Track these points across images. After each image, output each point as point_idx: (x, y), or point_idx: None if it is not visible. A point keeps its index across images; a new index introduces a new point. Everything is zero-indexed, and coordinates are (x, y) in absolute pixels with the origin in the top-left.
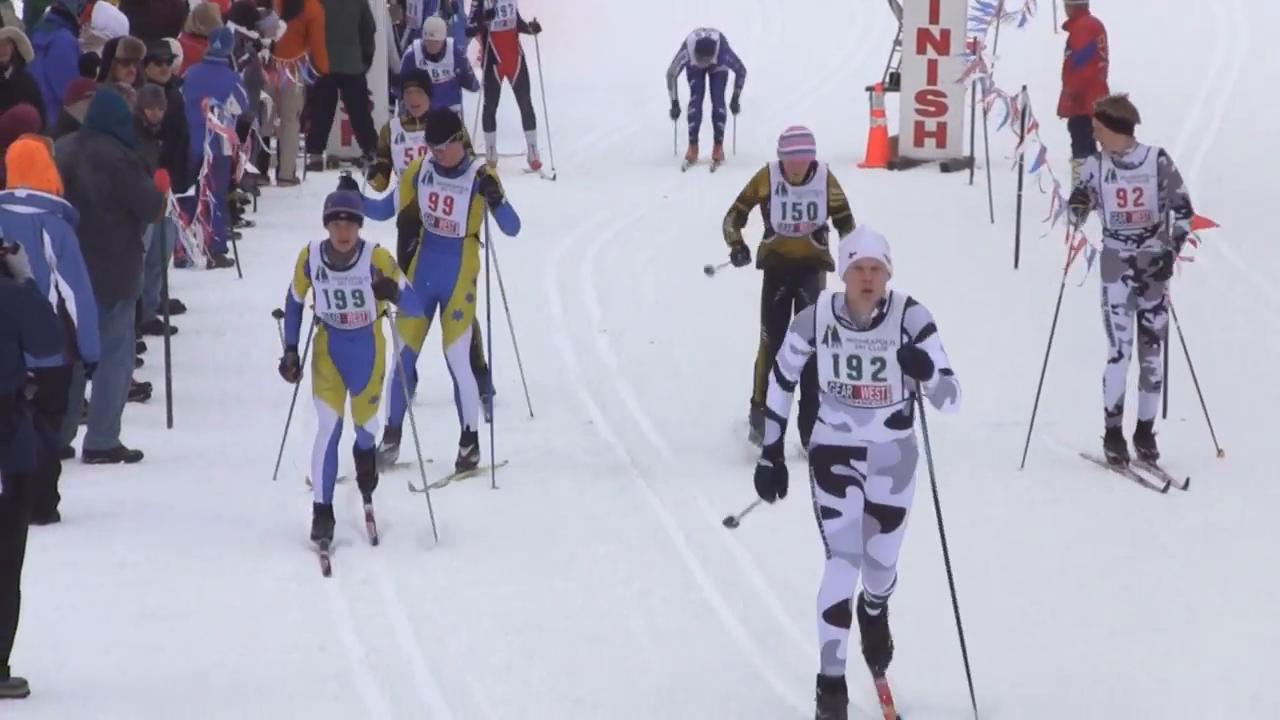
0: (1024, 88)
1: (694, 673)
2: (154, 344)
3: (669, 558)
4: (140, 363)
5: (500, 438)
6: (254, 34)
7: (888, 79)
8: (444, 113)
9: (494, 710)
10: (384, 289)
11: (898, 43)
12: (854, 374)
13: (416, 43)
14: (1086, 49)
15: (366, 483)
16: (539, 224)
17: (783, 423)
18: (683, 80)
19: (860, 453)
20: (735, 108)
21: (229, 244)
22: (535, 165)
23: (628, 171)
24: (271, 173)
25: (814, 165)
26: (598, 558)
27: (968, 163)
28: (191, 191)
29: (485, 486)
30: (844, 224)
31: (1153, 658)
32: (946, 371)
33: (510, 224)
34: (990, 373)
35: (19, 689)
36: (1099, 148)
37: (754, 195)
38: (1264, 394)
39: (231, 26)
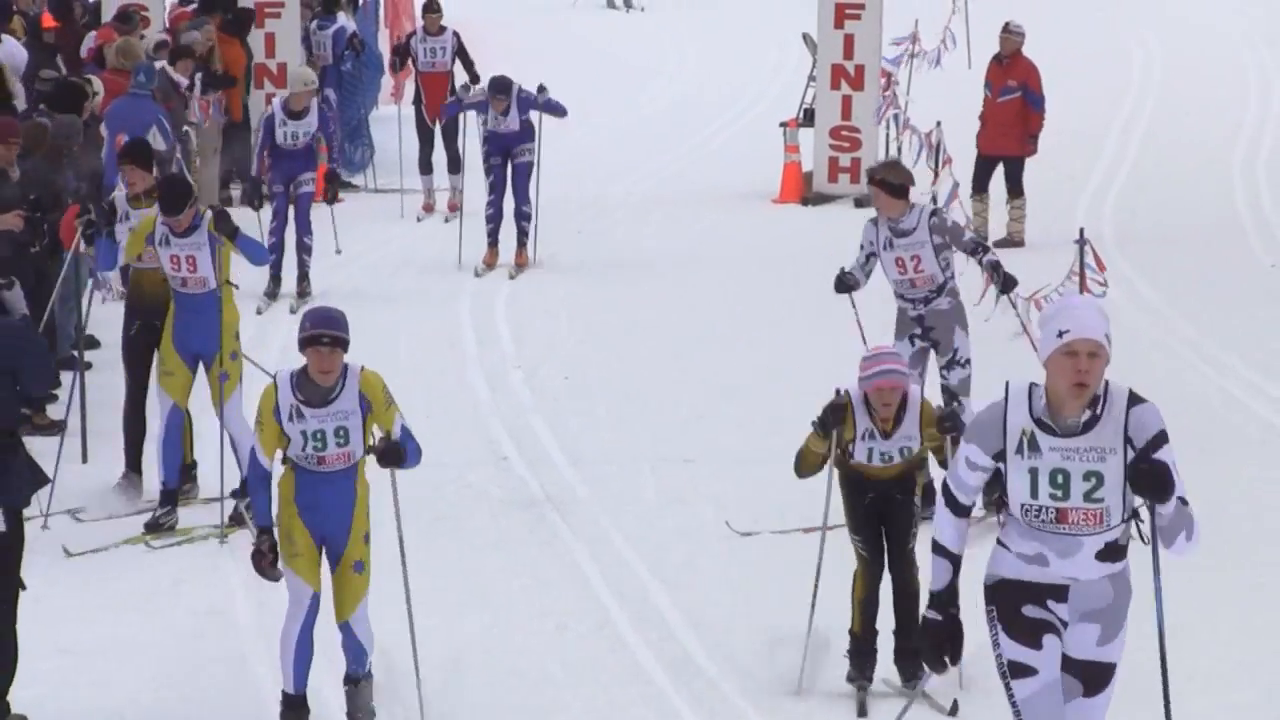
0: (938, 123)
1: (609, 707)
2: (68, 379)
3: (583, 592)
4: (54, 398)
5: (416, 473)
6: (182, 79)
7: (802, 114)
8: (175, 182)
9: None
10: (389, 458)
11: (812, 78)
12: (1059, 494)
13: (276, 101)
14: (1039, 93)
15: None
16: (451, 259)
17: (955, 561)
18: (477, 164)
19: (1061, 592)
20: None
21: None
22: (453, 208)
23: (542, 206)
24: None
25: (905, 398)
26: (512, 591)
27: None
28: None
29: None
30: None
31: None
32: (1184, 500)
33: (254, 252)
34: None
35: None
36: (875, 213)
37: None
38: (1182, 431)
39: (158, 64)
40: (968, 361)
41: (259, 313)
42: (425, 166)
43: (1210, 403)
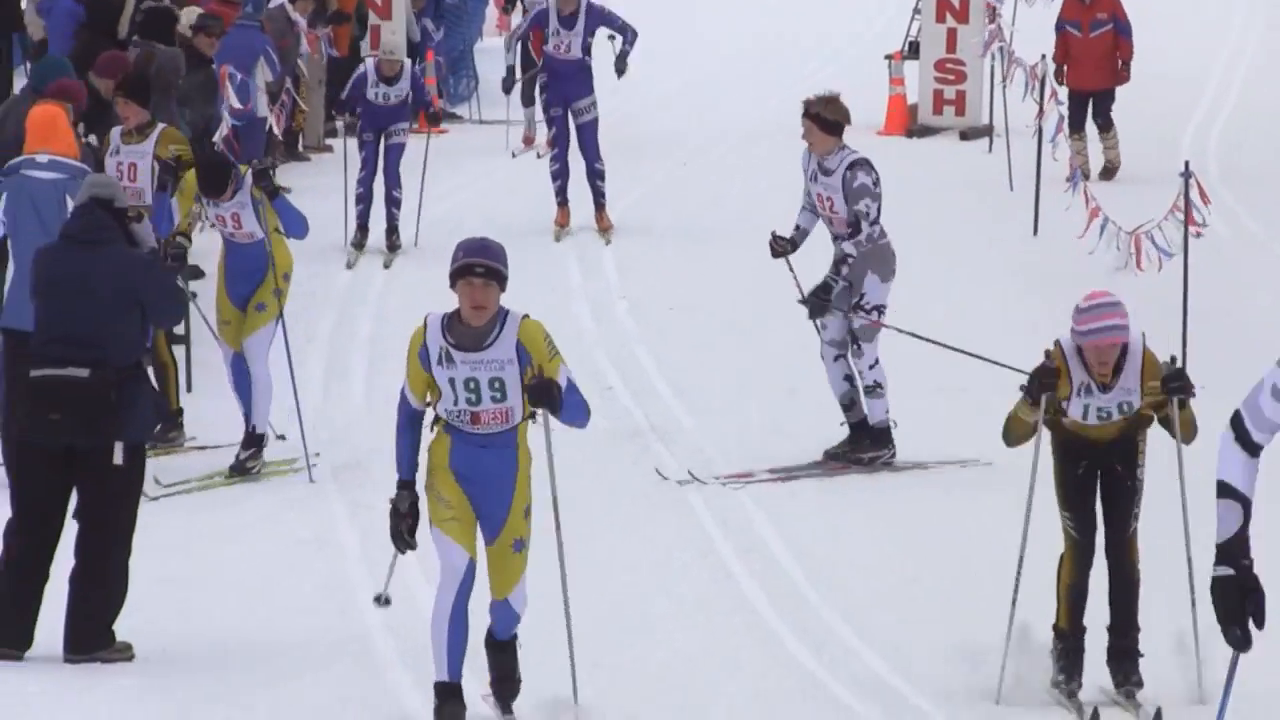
0: (1044, 56)
1: (711, 636)
2: None
3: (687, 521)
4: (180, 337)
5: None
6: (300, 18)
7: (906, 47)
8: (215, 164)
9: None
10: (540, 394)
11: (917, 11)
12: None
13: (369, 62)
14: (1127, 21)
15: (506, 690)
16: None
17: (1246, 505)
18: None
19: None
20: (621, 68)
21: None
22: (551, 144)
23: (644, 140)
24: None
25: (1125, 350)
26: (617, 522)
27: (987, 130)
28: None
29: None
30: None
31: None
32: None
33: (292, 222)
34: (1009, 338)
35: (125, 653)
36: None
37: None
38: None
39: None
40: (875, 309)
41: (349, 266)
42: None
43: None
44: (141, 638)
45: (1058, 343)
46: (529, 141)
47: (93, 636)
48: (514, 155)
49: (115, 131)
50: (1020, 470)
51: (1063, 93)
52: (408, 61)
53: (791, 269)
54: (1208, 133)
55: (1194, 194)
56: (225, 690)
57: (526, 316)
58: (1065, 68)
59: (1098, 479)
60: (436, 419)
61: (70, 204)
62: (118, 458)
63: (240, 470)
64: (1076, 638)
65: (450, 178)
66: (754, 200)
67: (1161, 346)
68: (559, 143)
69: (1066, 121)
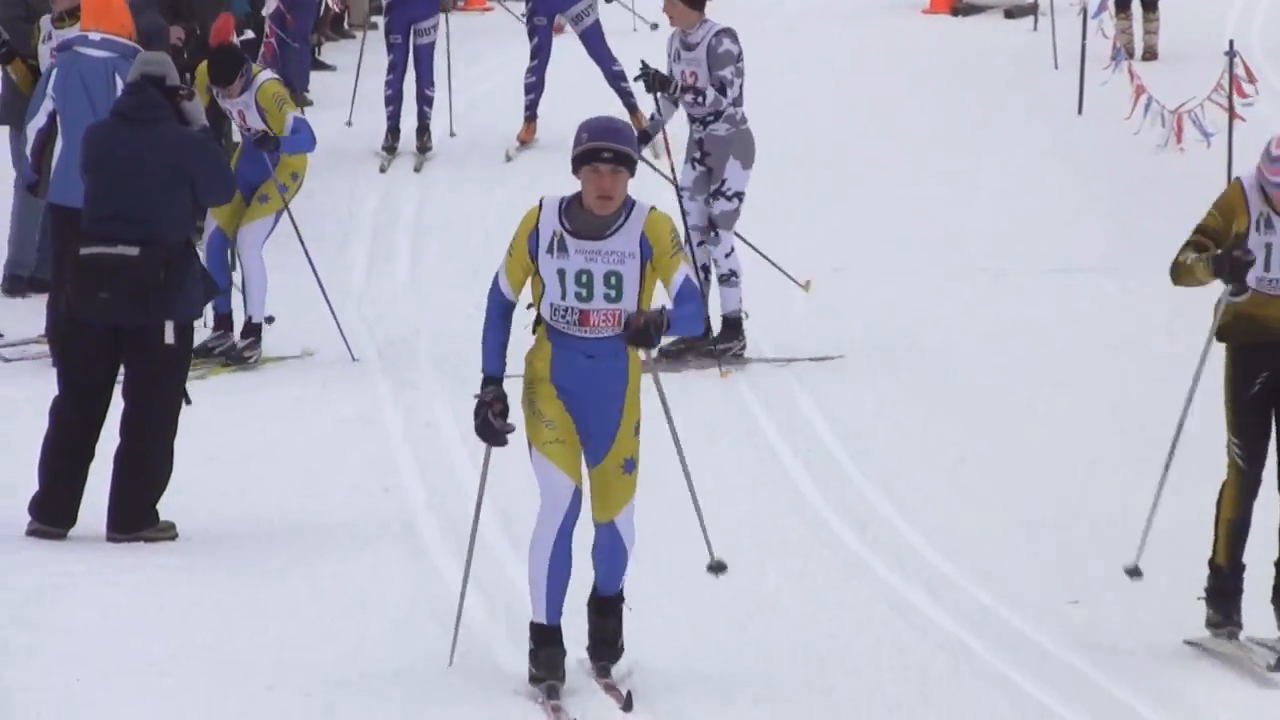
0: None
1: (756, 516)
2: None
3: (731, 401)
4: None
5: None
6: None
7: None
8: (226, 53)
9: None
10: (638, 338)
11: None
12: None
13: None
14: None
15: (606, 650)
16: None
17: None
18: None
19: None
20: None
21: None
22: None
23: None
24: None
25: None
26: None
27: (1032, 9)
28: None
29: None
30: None
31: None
32: None
33: (301, 143)
34: (1052, 218)
35: (168, 532)
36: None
37: (1221, 226)
38: None
39: None
40: (735, 195)
41: (382, 170)
42: None
43: None
44: (185, 517)
45: (1238, 179)
46: (559, 29)
47: (137, 516)
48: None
49: (45, 20)
50: (1073, 360)
51: None
52: None
53: (654, 159)
54: (1253, 10)
55: (1239, 71)
56: (268, 571)
57: (653, 208)
58: None
59: (1273, 404)
60: (538, 320)
61: (120, 83)
62: (169, 337)
63: (237, 359)
64: (1236, 576)
65: (481, 61)
66: (793, 79)
67: None
68: (540, 54)
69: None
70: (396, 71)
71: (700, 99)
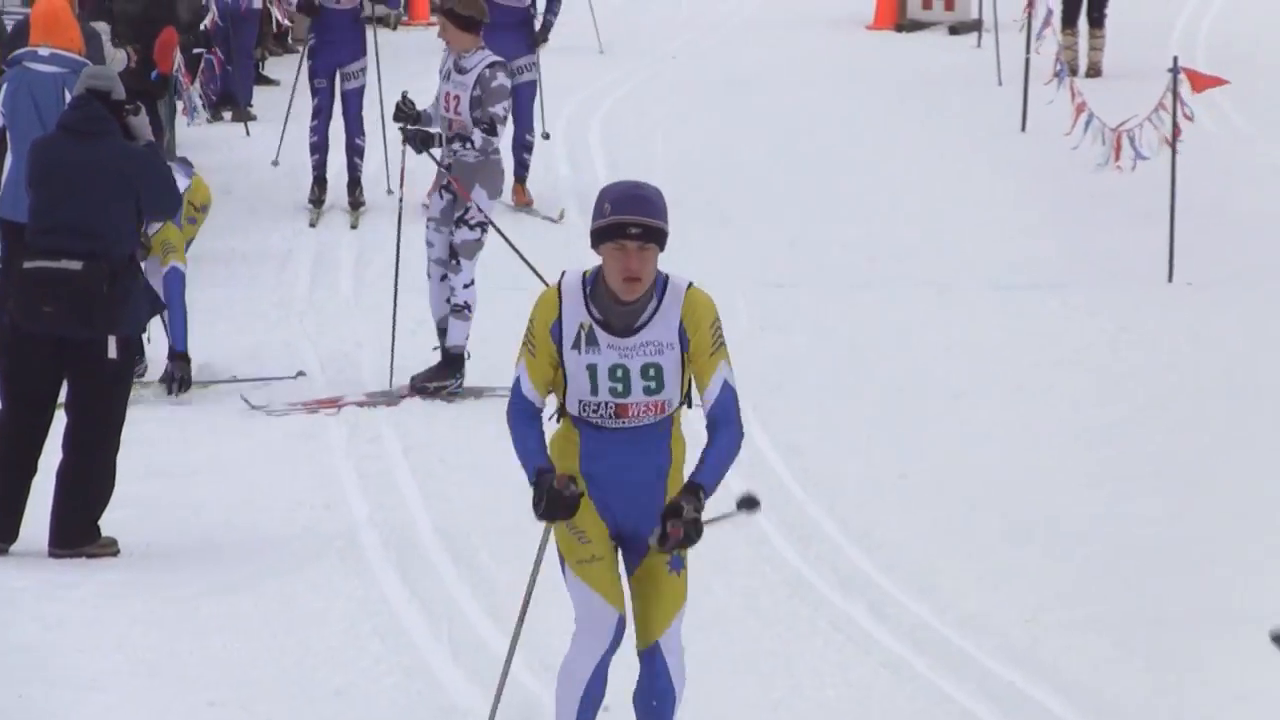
0: None
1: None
2: None
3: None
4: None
5: (506, 297)
6: None
7: None
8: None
9: (499, 568)
10: (686, 542)
11: None
12: None
13: None
14: None
15: None
16: (546, 85)
17: None
18: None
19: None
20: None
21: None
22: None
23: (632, 33)
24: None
25: None
26: None
27: (976, 25)
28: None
29: (493, 347)
30: None
31: (1158, 520)
32: None
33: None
34: (996, 235)
35: (110, 548)
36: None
37: None
38: (1273, 256)
39: None
40: (479, 225)
41: (311, 225)
42: None
43: None
44: (127, 533)
45: None
46: None
47: (79, 531)
48: None
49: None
50: (1018, 376)
51: None
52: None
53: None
54: (1197, 28)
55: (1184, 89)
56: (211, 586)
57: (691, 285)
58: None
59: None
60: (560, 412)
61: (69, 97)
62: (112, 351)
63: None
64: None
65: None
66: (740, 92)
67: (1149, 241)
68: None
69: (1059, 16)
70: (321, 117)
71: (469, 144)
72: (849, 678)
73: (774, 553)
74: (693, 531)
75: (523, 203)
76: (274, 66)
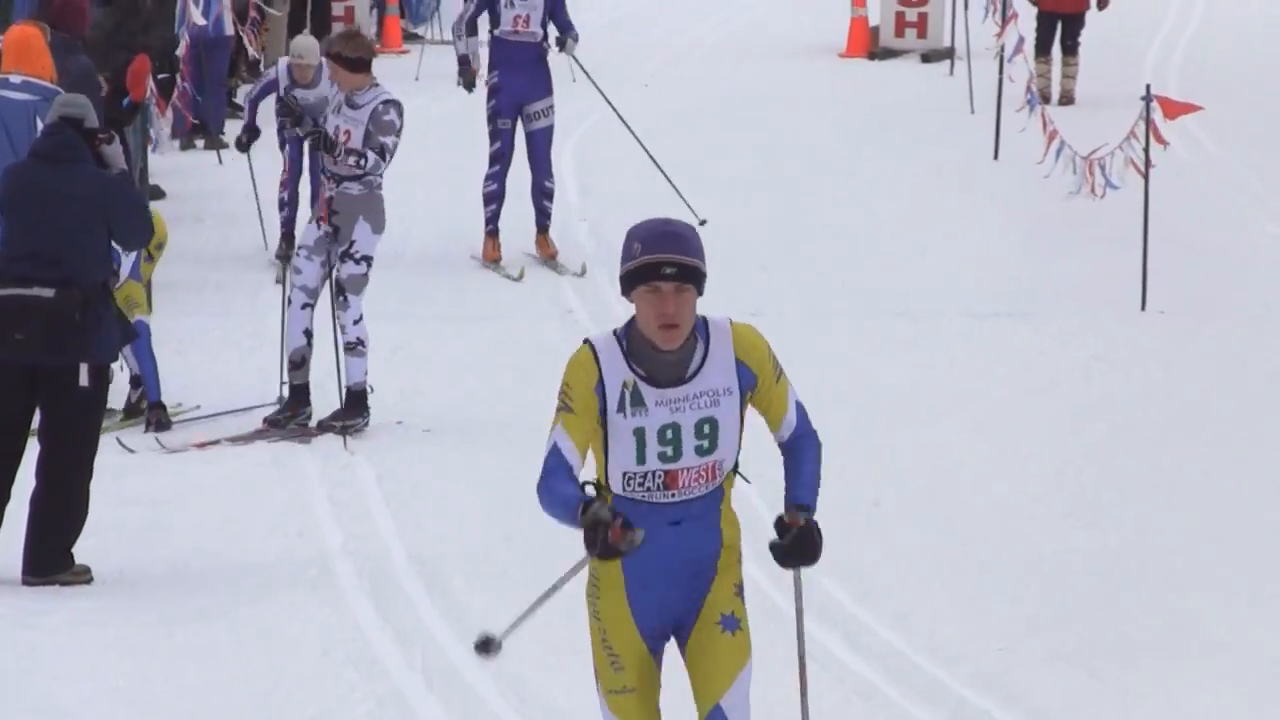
0: None
1: None
2: None
3: None
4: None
5: (478, 326)
6: None
7: None
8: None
9: (472, 597)
10: (798, 554)
11: None
12: None
13: (282, 63)
14: None
15: None
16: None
17: None
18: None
19: None
20: (563, 43)
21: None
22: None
23: (605, 60)
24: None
25: None
26: None
27: (948, 53)
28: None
29: (466, 375)
30: None
31: (1131, 548)
32: None
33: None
34: (968, 262)
35: (84, 576)
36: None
37: None
38: (1248, 289)
39: None
40: (364, 259)
41: (277, 282)
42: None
43: (1277, 261)
44: (100, 560)
45: None
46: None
47: (52, 559)
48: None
49: None
50: (989, 403)
51: (1028, 15)
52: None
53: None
54: (1170, 56)
55: (1157, 117)
56: (184, 614)
57: (733, 322)
58: None
59: None
60: (597, 487)
61: (40, 124)
62: (83, 379)
63: (134, 412)
64: None
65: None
66: (712, 120)
67: (1122, 269)
68: (502, 158)
69: (1030, 43)
70: (291, 173)
71: (362, 161)
72: (822, 706)
73: (746, 580)
74: (815, 542)
75: (547, 255)
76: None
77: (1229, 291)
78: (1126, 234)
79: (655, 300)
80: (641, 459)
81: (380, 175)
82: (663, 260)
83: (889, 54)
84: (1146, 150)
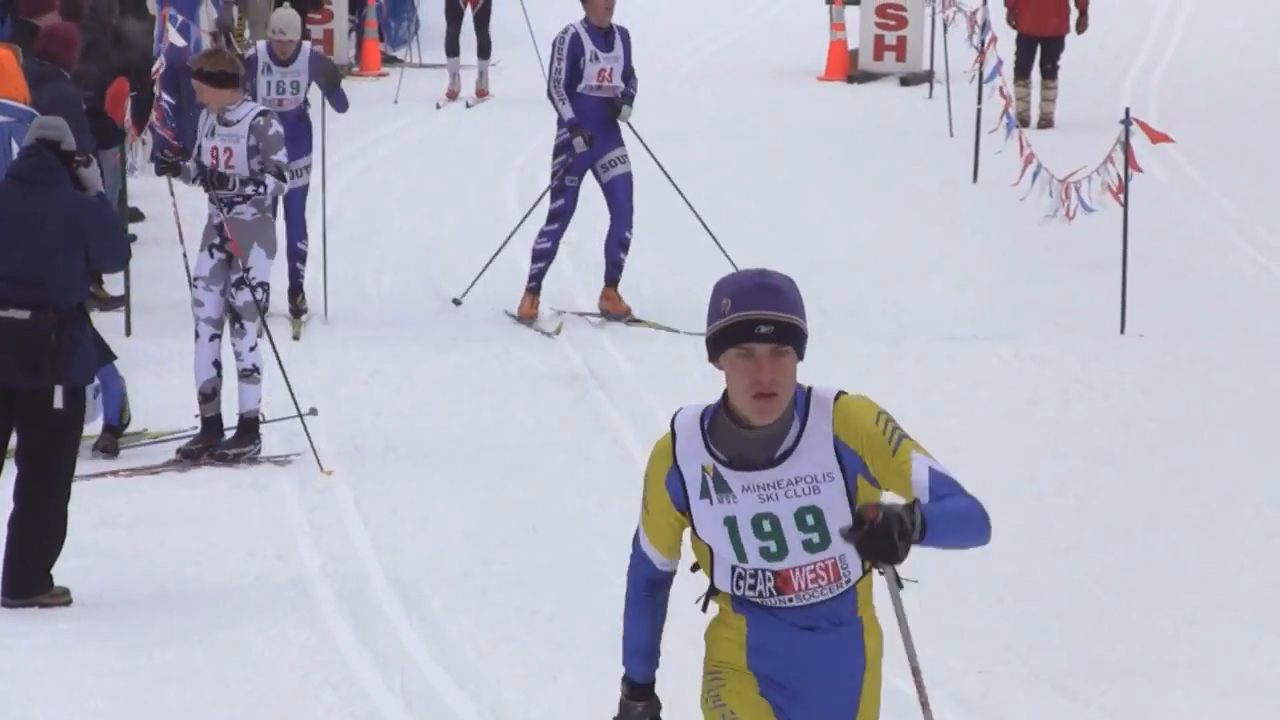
0: (984, 1)
1: None
2: None
3: (626, 468)
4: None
5: (458, 348)
6: None
7: None
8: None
9: (451, 619)
10: (876, 548)
11: None
12: None
13: (261, 45)
14: None
15: None
16: (499, 134)
17: None
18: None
19: None
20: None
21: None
22: (481, 94)
23: None
24: None
25: None
26: (556, 467)
27: (927, 76)
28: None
29: (444, 398)
30: None
31: (1110, 570)
32: None
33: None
34: (948, 285)
35: (63, 597)
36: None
37: None
38: (1226, 313)
39: None
40: (260, 285)
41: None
42: (452, 48)
43: (1255, 284)
44: (79, 582)
45: None
46: (453, 95)
47: (30, 581)
48: (438, 107)
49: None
50: (969, 426)
51: (1007, 38)
52: (306, 43)
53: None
54: (1149, 79)
55: (1136, 141)
56: (163, 636)
57: (841, 394)
58: (1018, 11)
59: None
60: (712, 590)
61: (15, 146)
62: (58, 401)
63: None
64: None
65: (385, 121)
66: (691, 143)
67: (1101, 292)
68: (563, 216)
69: (1010, 66)
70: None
71: (261, 189)
72: None
73: None
74: (893, 534)
75: (618, 310)
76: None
77: (1208, 314)
78: (1106, 257)
79: (748, 366)
80: (742, 554)
81: (265, 194)
82: (757, 318)
83: (868, 77)
84: (1126, 174)
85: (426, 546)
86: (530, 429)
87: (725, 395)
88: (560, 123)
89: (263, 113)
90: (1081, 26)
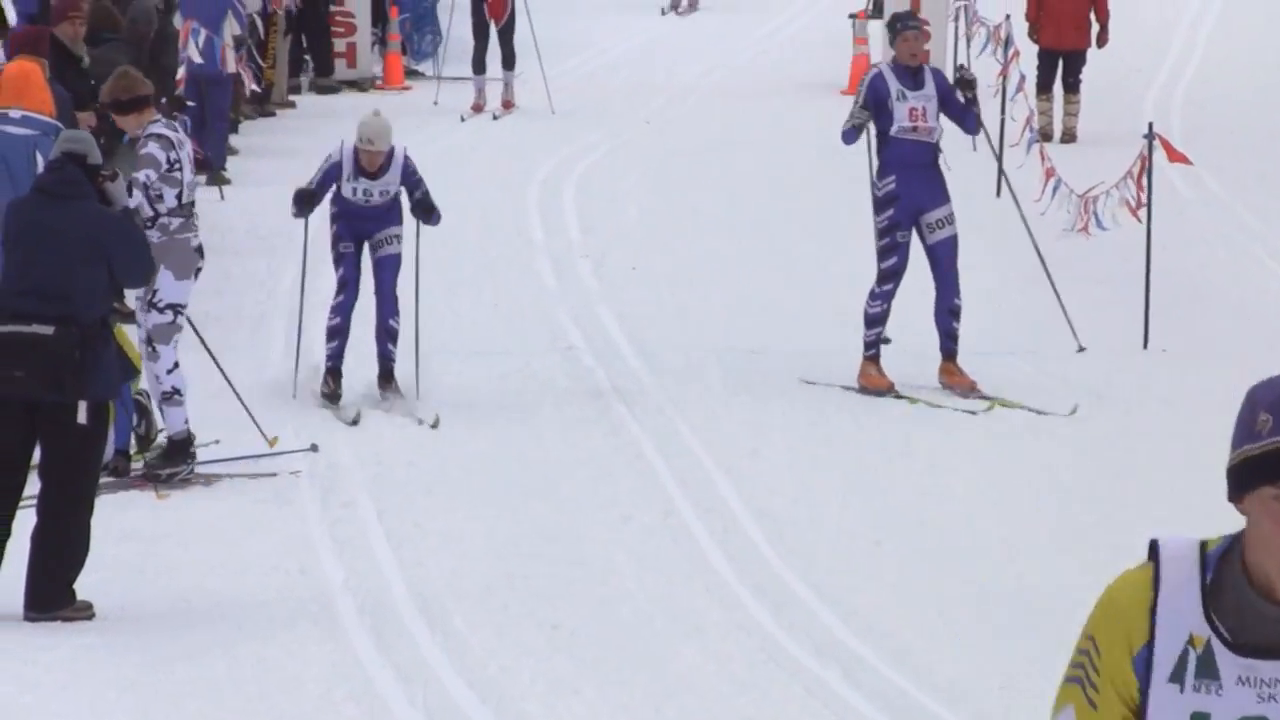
0: (1007, 16)
1: (671, 597)
2: None
3: (648, 483)
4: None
5: (480, 361)
6: None
7: (870, 6)
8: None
9: (472, 634)
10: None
11: None
12: None
13: (345, 146)
14: None
15: None
16: (521, 148)
17: None
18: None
19: None
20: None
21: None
22: (507, 106)
23: (608, 97)
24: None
25: None
26: (577, 482)
27: None
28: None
29: (467, 412)
30: None
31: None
32: None
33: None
34: (971, 300)
35: (85, 611)
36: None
37: None
38: (1247, 327)
39: None
40: (169, 307)
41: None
42: (479, 66)
43: (1279, 299)
44: (101, 596)
45: None
46: (479, 109)
47: (53, 594)
48: (462, 119)
49: None
50: (990, 441)
51: (1029, 52)
52: (399, 146)
53: None
54: (1172, 93)
55: (1159, 155)
56: (185, 650)
57: None
58: (1040, 26)
59: None
60: None
61: (41, 160)
62: (82, 416)
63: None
64: None
65: (418, 130)
66: (713, 157)
67: (1124, 306)
68: (897, 275)
69: (1031, 81)
70: (347, 294)
71: (136, 217)
72: None
73: (748, 617)
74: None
75: (962, 384)
76: (251, 130)
77: (1231, 330)
78: (1129, 272)
79: None
80: None
81: (177, 220)
82: None
83: None
84: (1149, 188)
85: (448, 561)
86: (552, 443)
87: (1231, 545)
88: (880, 173)
89: (148, 135)
90: (1102, 41)
